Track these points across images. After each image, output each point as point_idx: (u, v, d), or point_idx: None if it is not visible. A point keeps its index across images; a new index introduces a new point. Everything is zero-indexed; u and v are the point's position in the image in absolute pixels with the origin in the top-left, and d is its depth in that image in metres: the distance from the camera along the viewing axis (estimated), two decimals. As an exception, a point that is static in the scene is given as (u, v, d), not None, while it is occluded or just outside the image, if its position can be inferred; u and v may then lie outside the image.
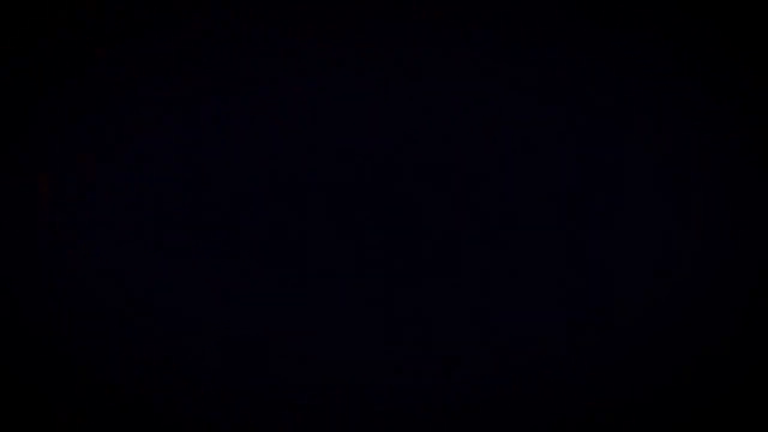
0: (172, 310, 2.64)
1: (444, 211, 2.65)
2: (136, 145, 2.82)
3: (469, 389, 2.62)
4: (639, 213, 2.52)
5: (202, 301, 2.69)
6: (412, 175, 2.62)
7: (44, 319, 2.60)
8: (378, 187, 2.63)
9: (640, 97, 2.49)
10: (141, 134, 2.84)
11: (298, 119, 2.73)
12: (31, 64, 2.65)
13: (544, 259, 2.58)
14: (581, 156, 2.54)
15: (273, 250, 2.69)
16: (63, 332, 2.58)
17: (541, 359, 2.52)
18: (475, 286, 2.62)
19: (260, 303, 2.63)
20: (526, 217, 2.61)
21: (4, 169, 2.64)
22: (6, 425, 2.28)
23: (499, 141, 2.60)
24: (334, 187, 2.58)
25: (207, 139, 2.70)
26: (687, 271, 2.45)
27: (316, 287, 2.59)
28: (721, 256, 2.43)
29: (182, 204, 2.70)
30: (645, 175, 2.52)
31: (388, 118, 2.63)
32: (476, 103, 2.62)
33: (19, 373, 2.43)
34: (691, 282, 2.45)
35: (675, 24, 2.44)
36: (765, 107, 2.37)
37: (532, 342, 2.56)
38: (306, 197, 2.58)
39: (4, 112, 2.64)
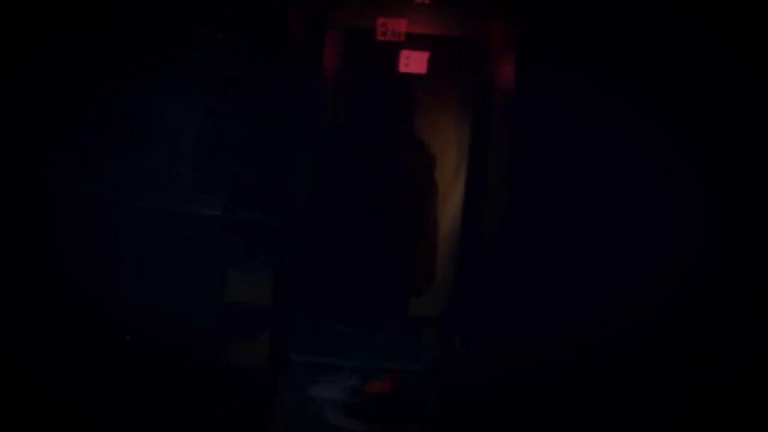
0: None
1: None
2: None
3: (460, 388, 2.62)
4: (639, 213, 2.52)
5: None
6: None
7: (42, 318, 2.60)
8: None
9: (642, 97, 2.48)
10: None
11: None
12: (31, 65, 2.64)
13: (543, 259, 2.58)
14: (584, 156, 2.53)
15: None
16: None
17: (542, 360, 2.51)
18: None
19: None
20: (524, 218, 2.61)
21: (4, 169, 2.63)
22: (6, 425, 2.26)
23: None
24: None
25: None
26: (687, 271, 2.45)
27: None
28: (721, 256, 2.42)
29: None
30: (645, 175, 2.51)
31: None
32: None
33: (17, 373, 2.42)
34: (691, 282, 2.44)
35: (677, 24, 2.43)
36: (765, 107, 2.36)
37: (529, 343, 2.55)
38: None
39: (4, 113, 2.63)
